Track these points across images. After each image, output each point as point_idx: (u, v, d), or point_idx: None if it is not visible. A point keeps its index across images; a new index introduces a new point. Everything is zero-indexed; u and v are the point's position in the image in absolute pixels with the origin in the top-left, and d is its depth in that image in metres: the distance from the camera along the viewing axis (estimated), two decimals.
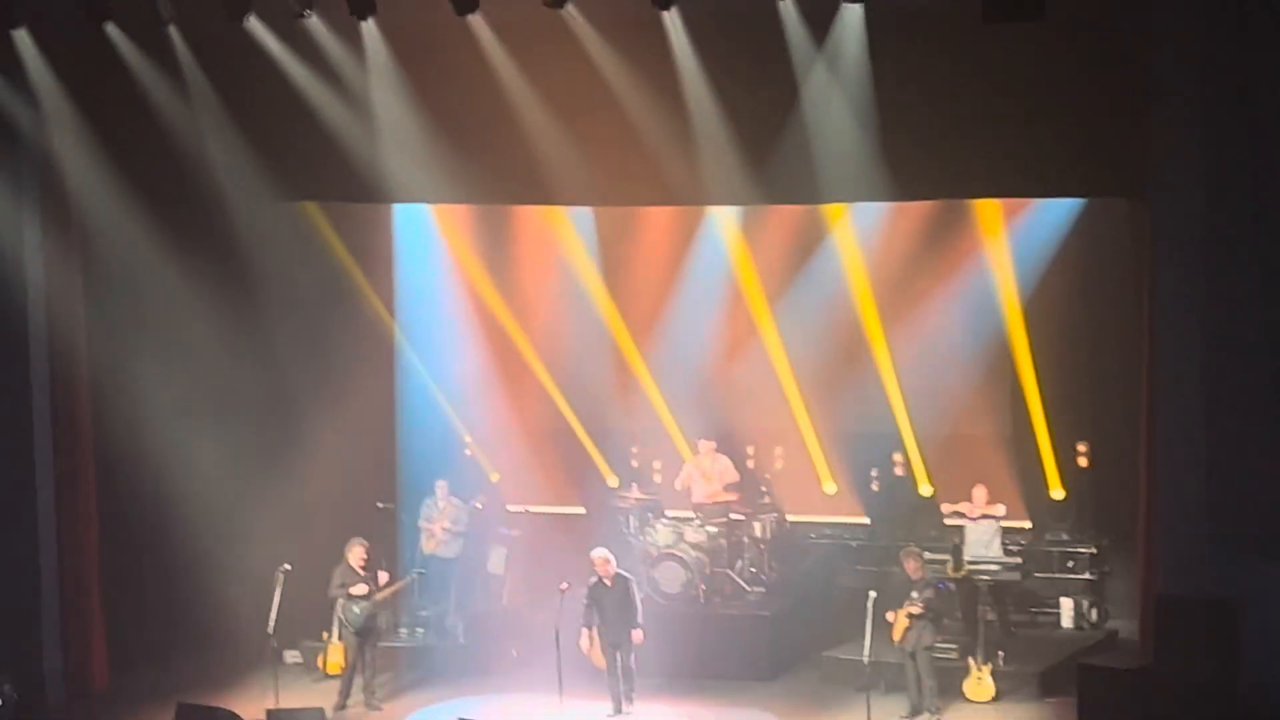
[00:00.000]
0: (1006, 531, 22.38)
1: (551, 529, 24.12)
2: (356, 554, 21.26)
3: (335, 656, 21.66)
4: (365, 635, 21.21)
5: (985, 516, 22.23)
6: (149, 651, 22.46)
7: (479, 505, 23.62)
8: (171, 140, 21.21)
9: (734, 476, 23.48)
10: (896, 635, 20.15)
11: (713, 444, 23.53)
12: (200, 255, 22.12)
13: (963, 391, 23.33)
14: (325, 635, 21.92)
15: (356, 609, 21.14)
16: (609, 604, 20.36)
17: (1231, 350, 18.89)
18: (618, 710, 20.37)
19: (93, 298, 21.92)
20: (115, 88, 20.98)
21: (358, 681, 21.22)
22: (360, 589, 21.14)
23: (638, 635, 20.26)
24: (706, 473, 23.46)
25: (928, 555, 21.20)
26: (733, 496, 23.40)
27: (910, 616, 20.06)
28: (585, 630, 20.36)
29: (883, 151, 19.86)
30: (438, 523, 23.36)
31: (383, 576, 21.41)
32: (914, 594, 20.16)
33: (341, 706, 20.89)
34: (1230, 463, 18.90)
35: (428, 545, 23.42)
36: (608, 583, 20.38)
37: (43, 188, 21.45)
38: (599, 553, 20.57)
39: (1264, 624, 18.07)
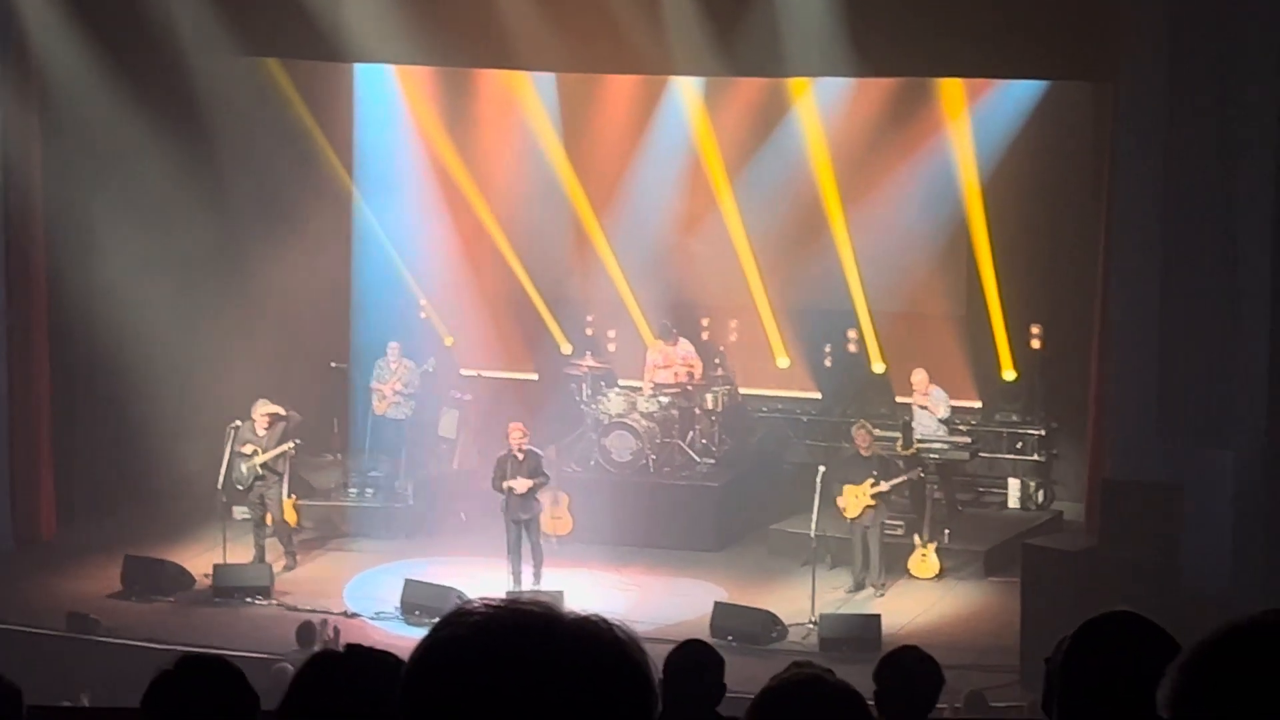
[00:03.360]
0: (956, 411, 22.46)
1: (504, 394, 24.14)
2: (260, 413, 20.98)
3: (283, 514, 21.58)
4: (259, 494, 21.00)
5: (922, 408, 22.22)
6: (97, 503, 22.52)
7: (430, 368, 23.60)
8: None
9: (695, 360, 23.45)
10: (853, 513, 20.18)
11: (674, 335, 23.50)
12: (159, 107, 21.98)
13: (919, 270, 23.34)
14: None
15: (244, 468, 20.92)
16: (518, 476, 20.18)
17: (1187, 238, 18.98)
18: (516, 584, 19.96)
19: (50, 148, 21.73)
20: None
21: (273, 541, 21.15)
22: (248, 448, 20.95)
23: (520, 484, 20.00)
24: (669, 358, 23.43)
25: (878, 433, 21.32)
26: (693, 370, 23.38)
27: (875, 498, 20.13)
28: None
29: (848, 27, 19.81)
30: (389, 384, 23.33)
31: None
32: (875, 473, 20.19)
33: (260, 560, 20.86)
34: (1180, 349, 19.04)
35: (379, 407, 23.40)
36: (519, 455, 20.23)
37: (1, 34, 21.22)
38: (514, 424, 20.44)
39: (1206, 508, 18.26)
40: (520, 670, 2.46)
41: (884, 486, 20.15)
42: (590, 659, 2.49)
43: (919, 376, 22.11)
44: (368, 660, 4.07)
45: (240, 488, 20.99)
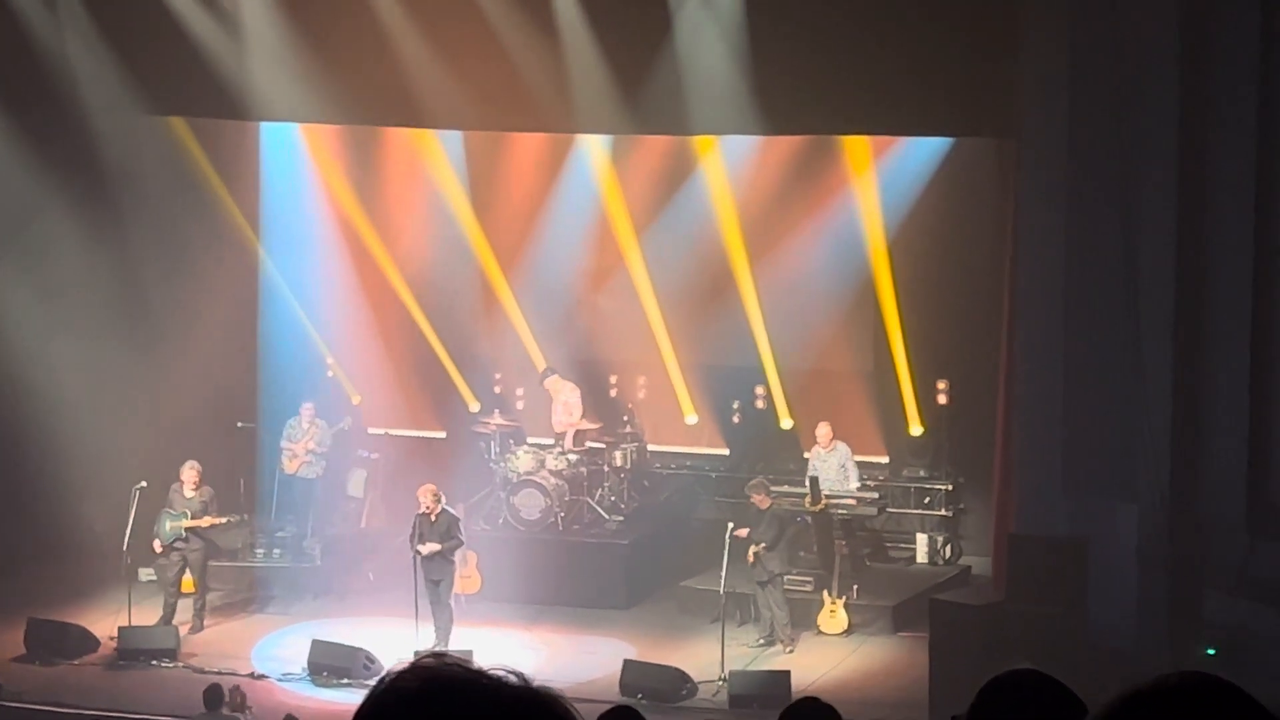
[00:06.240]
0: (863, 466, 22.51)
1: (412, 453, 24.05)
2: (187, 476, 20.89)
3: (188, 576, 21.39)
4: (181, 556, 20.83)
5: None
6: (0, 565, 22.23)
7: (345, 426, 23.53)
8: (34, 46, 20.90)
9: (578, 405, 23.40)
10: (750, 559, 20.26)
11: (555, 376, 23.45)
12: (61, 166, 21.85)
13: (826, 326, 23.44)
14: None
15: (168, 526, 20.78)
16: (429, 539, 20.04)
17: (1090, 293, 19.17)
18: (442, 641, 19.88)
19: None
20: None
21: (185, 602, 20.99)
22: (178, 508, 20.87)
23: (426, 548, 19.83)
24: (568, 403, 23.41)
25: (786, 489, 21.38)
26: (594, 425, 23.39)
27: (754, 553, 20.18)
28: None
29: (754, 85, 19.92)
30: (302, 444, 23.22)
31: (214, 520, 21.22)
32: (758, 529, 20.29)
33: (167, 621, 20.65)
34: (1084, 404, 19.20)
35: (289, 466, 23.28)
36: (432, 517, 20.15)
37: None
38: (426, 486, 20.39)
39: (1111, 562, 18.39)
40: None
41: (759, 548, 20.20)
42: None
43: (823, 430, 22.14)
44: None
45: (159, 544, 20.77)
